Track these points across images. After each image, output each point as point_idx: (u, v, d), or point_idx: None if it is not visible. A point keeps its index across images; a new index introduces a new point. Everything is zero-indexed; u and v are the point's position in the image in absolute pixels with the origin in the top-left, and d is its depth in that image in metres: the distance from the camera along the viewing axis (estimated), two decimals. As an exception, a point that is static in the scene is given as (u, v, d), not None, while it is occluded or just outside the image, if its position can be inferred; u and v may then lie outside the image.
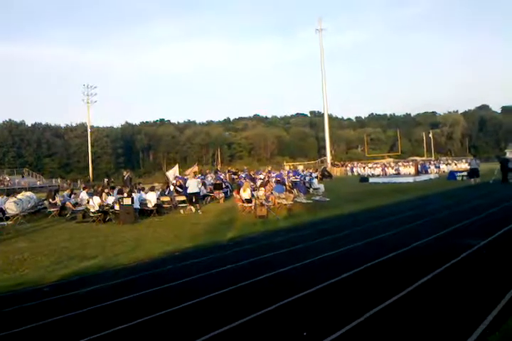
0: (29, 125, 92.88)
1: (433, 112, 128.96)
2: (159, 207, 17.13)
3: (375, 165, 49.89)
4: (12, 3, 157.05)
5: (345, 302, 5.39)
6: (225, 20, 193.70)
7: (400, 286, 5.75)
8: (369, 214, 14.24)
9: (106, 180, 27.95)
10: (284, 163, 71.17)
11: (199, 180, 20.90)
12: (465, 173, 32.45)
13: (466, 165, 45.71)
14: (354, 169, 51.74)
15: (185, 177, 21.64)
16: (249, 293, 6.10)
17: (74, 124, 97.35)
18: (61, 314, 5.56)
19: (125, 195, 16.40)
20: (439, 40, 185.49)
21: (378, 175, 42.41)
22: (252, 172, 31.97)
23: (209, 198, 21.33)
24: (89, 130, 75.59)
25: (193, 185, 17.80)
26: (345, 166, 57.00)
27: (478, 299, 5.22)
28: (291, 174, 28.89)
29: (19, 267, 8.70)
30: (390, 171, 45.10)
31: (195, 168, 30.95)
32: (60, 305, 6.07)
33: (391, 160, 68.68)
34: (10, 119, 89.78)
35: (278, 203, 16.47)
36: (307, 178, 26.53)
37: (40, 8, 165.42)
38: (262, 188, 17.01)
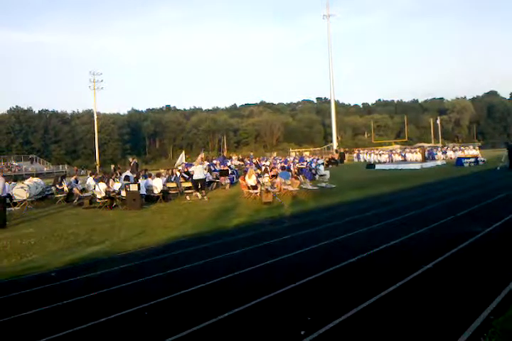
0: (36, 112, 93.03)
1: (441, 98, 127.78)
2: (165, 194, 17.16)
3: (381, 152, 49.64)
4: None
5: (349, 289, 5.40)
6: (231, 6, 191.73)
7: (403, 272, 5.77)
8: (374, 201, 14.20)
9: (113, 166, 27.95)
10: (290, 150, 71.10)
11: (204, 166, 20.89)
12: (472, 159, 32.34)
13: (474, 151, 45.52)
14: (360, 156, 51.56)
15: (192, 164, 21.66)
16: (255, 278, 6.13)
17: (80, 111, 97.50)
18: (67, 299, 5.61)
19: (131, 175, 16.55)
20: (447, 26, 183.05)
21: (385, 162, 42.23)
22: (257, 159, 31.96)
23: (215, 184, 21.36)
24: (95, 116, 75.58)
25: (199, 171, 17.80)
26: (352, 152, 56.97)
27: (483, 284, 5.22)
28: (296, 160, 28.83)
29: (26, 252, 8.78)
30: (397, 158, 44.88)
31: (202, 155, 31.05)
32: (66, 290, 6.12)
33: (398, 146, 68.36)
34: (17, 106, 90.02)
35: (284, 189, 16.45)
36: (313, 165, 26.47)
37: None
38: (267, 174, 16.96)
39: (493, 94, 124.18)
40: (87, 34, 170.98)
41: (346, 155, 55.26)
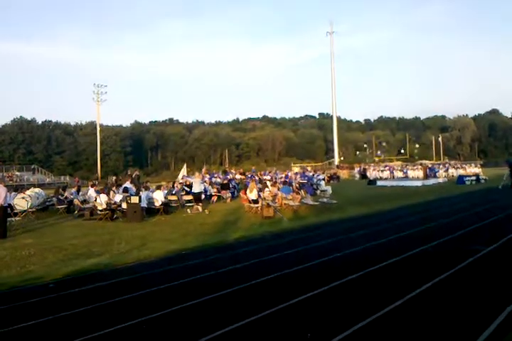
0: (39, 122, 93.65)
1: (443, 116, 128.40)
2: (166, 206, 17.16)
3: (382, 168, 49.62)
4: (30, 4, 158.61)
5: (348, 306, 5.37)
6: (235, 22, 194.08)
7: (403, 290, 5.74)
8: (376, 217, 14.17)
9: (114, 177, 27.92)
10: (292, 164, 71.14)
11: (205, 179, 20.91)
12: (474, 178, 32.30)
13: (476, 169, 45.49)
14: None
15: (192, 177, 21.71)
16: (254, 293, 6.10)
17: (84, 122, 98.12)
18: (66, 310, 5.58)
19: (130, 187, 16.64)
20: (450, 44, 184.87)
21: (386, 179, 42.18)
22: (259, 173, 31.95)
23: (216, 198, 21.35)
24: (98, 128, 75.95)
25: (197, 185, 17.84)
26: (352, 168, 56.99)
27: (483, 305, 5.19)
28: (298, 176, 28.83)
29: (25, 263, 8.75)
30: (399, 174, 44.86)
31: (204, 169, 31.24)
32: (64, 302, 6.09)
33: (399, 163, 68.32)
34: (21, 116, 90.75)
35: (285, 204, 16.45)
36: (315, 180, 26.46)
37: (54, 9, 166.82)
38: (267, 189, 16.96)
39: (494, 112, 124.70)
40: (92, 47, 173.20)
41: (346, 172, 55.23)
